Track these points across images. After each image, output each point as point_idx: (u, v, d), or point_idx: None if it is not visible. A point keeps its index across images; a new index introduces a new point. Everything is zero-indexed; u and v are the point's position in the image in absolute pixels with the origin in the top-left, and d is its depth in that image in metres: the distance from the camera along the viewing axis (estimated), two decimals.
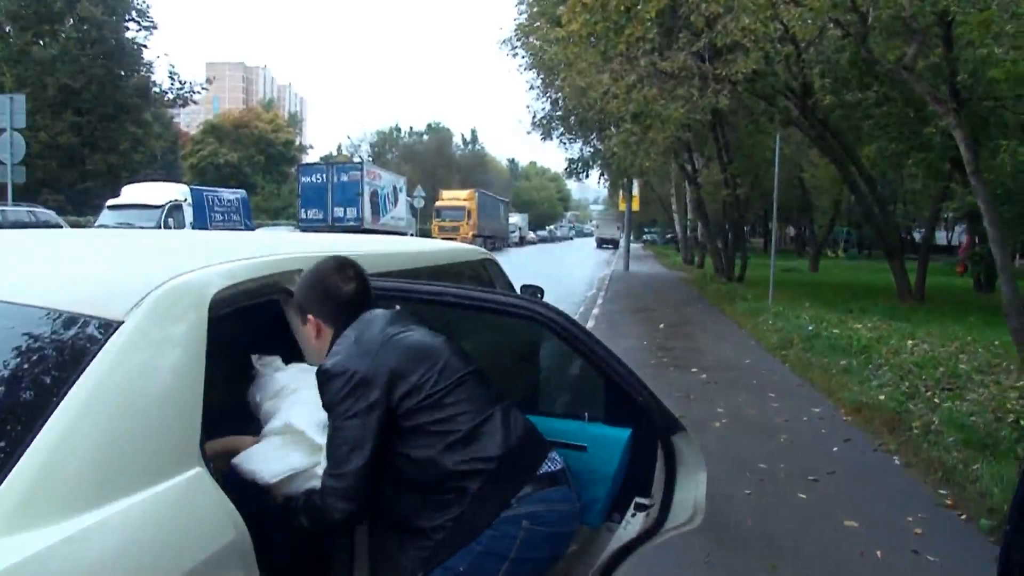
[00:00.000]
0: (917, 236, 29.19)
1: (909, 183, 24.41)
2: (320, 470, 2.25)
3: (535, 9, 26.01)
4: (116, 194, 26.26)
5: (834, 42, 14.73)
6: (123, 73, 42.37)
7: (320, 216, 33.00)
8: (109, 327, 1.74)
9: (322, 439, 2.26)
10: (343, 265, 2.48)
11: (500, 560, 2.25)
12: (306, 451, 2.26)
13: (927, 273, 19.27)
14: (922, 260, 19.73)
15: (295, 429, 2.31)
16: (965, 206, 15.78)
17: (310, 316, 2.45)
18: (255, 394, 2.52)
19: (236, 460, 2.26)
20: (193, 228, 24.01)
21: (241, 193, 30.17)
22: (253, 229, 27.82)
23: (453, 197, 55.97)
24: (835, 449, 6.73)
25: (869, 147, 18.87)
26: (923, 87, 9.21)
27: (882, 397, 7.92)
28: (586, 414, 2.70)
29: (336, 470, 2.20)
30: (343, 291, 2.43)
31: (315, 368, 2.38)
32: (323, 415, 2.29)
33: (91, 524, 1.49)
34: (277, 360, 2.59)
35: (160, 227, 22.66)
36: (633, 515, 2.66)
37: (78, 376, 1.63)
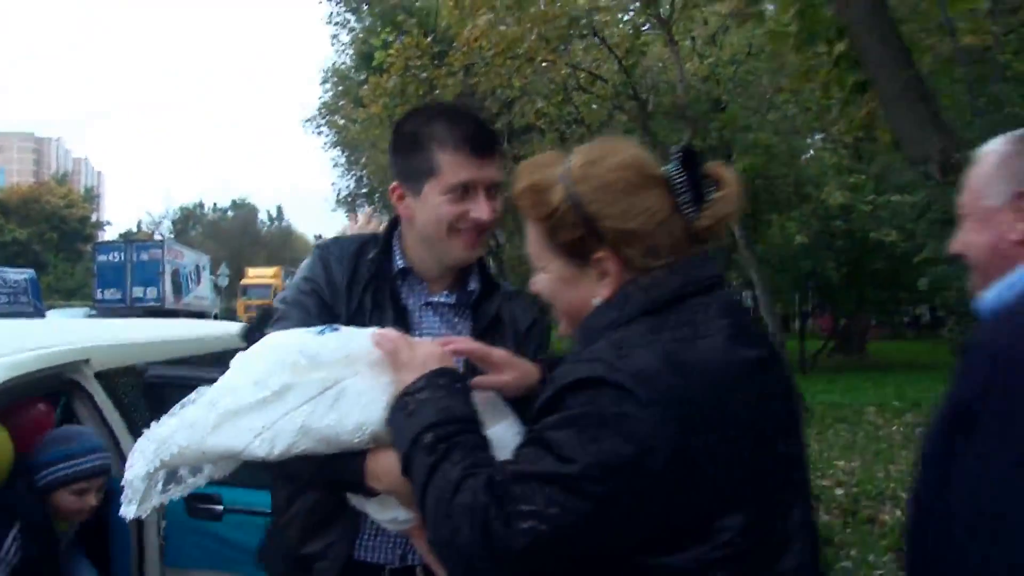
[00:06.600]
0: None
1: None
2: None
3: (340, 88, 26.34)
4: None
5: (623, 125, 15.78)
6: None
7: (118, 296, 31.43)
8: None
9: None
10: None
11: None
12: None
13: None
14: None
15: None
16: (744, 276, 17.02)
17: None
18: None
19: None
20: None
21: (29, 273, 27.73)
22: (44, 312, 26.19)
23: (259, 275, 54.06)
24: None
25: None
26: None
27: None
28: None
29: None
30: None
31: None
32: None
33: None
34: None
35: None
36: None
37: None
